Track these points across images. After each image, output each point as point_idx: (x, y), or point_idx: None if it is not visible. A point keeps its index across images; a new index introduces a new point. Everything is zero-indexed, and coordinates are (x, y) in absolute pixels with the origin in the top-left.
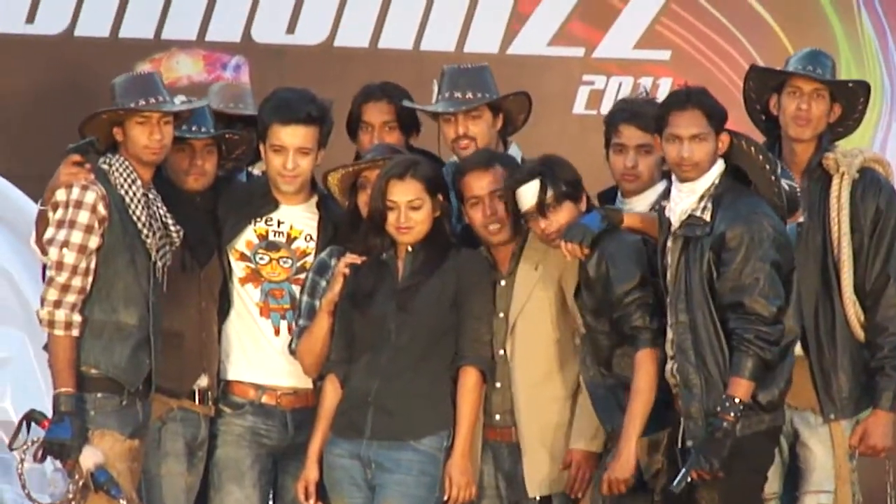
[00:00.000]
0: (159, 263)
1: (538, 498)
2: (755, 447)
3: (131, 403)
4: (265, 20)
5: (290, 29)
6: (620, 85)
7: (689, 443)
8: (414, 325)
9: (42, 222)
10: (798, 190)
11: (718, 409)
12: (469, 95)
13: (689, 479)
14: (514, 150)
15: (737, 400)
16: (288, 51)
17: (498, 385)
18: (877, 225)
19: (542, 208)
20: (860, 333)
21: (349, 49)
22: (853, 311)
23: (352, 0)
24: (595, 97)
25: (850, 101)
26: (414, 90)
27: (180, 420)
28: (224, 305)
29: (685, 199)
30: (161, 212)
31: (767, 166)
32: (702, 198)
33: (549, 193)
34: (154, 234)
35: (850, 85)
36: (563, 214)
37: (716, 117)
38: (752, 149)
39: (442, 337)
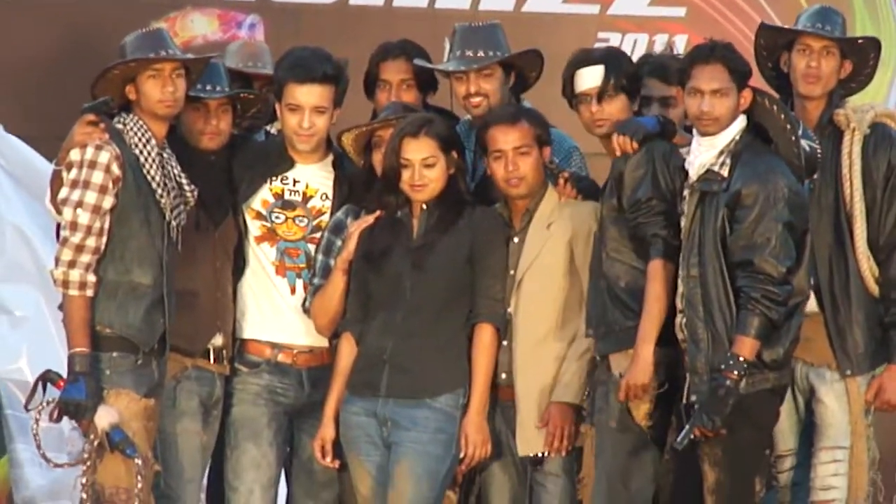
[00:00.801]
0: (174, 223)
1: (539, 455)
2: (759, 405)
3: (146, 363)
4: None
5: None
6: (636, 42)
7: (693, 398)
8: (429, 283)
9: (56, 182)
10: (818, 150)
11: (722, 366)
12: (480, 53)
13: (692, 436)
14: None
15: (741, 358)
16: (303, 9)
17: (504, 343)
18: (889, 179)
19: (600, 94)
20: (874, 288)
21: (364, 7)
22: (867, 266)
23: None
24: None
25: (861, 56)
26: (429, 49)
27: (195, 379)
28: (239, 264)
29: (704, 153)
30: (175, 171)
31: (789, 126)
32: (721, 153)
33: (611, 81)
34: (168, 193)
35: (860, 42)
36: (615, 106)
37: (738, 73)
38: (775, 107)
39: (457, 295)
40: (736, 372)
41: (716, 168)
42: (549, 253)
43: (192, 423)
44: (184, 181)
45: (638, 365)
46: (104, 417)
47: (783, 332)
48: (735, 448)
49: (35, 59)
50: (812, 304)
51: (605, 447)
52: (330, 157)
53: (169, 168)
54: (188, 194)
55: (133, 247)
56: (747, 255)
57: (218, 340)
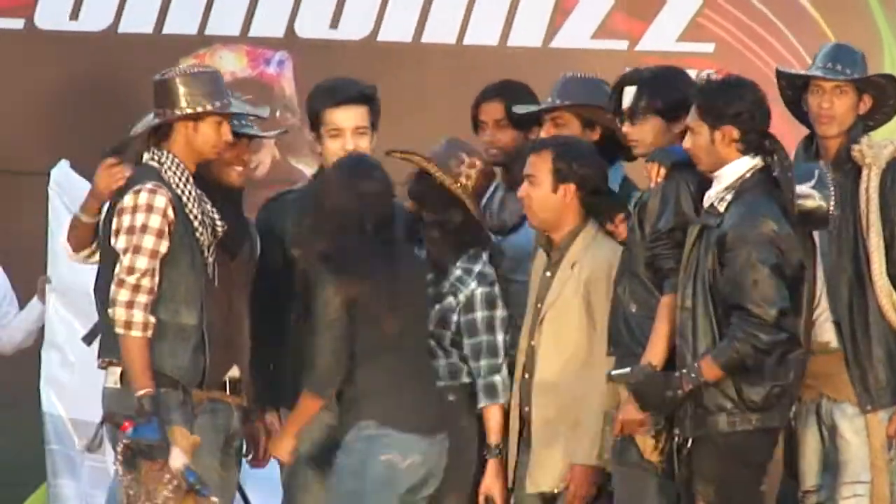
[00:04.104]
0: (210, 260)
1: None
2: (748, 444)
3: (187, 399)
4: (308, 15)
5: (334, 24)
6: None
7: (676, 431)
8: None
9: (74, 228)
10: (831, 202)
11: (683, 370)
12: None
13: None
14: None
15: (702, 378)
16: (331, 46)
17: (526, 376)
18: None
19: (631, 113)
20: None
21: (392, 44)
22: (886, 301)
23: None
24: None
25: (880, 90)
26: (456, 84)
27: (211, 412)
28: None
29: (713, 187)
30: (208, 206)
31: (790, 174)
32: (726, 188)
33: (642, 102)
34: (206, 230)
35: (873, 79)
36: (647, 127)
37: (712, 111)
38: (781, 152)
39: None
40: (690, 385)
41: (716, 203)
42: (570, 292)
43: (210, 459)
44: (216, 216)
45: (632, 401)
46: (178, 458)
47: (767, 374)
48: (727, 487)
49: (65, 95)
50: (833, 340)
51: (618, 485)
52: None
53: (204, 204)
54: (219, 230)
55: (182, 288)
56: (738, 299)
57: (234, 372)
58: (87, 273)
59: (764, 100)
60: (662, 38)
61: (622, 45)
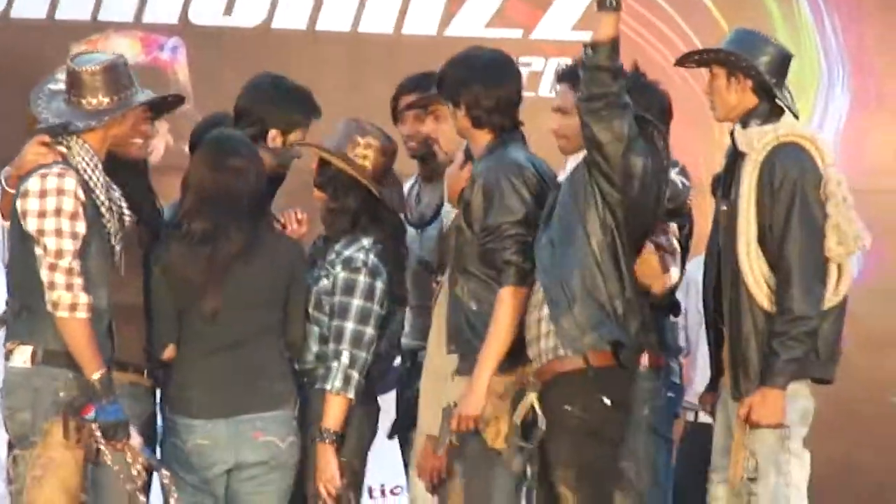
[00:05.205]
0: (117, 247)
1: None
2: (600, 423)
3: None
4: (202, 1)
5: (228, 11)
6: (559, 66)
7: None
8: None
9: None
10: (688, 189)
11: None
12: None
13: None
14: None
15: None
16: (225, 33)
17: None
18: (774, 206)
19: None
20: (770, 308)
21: (286, 31)
22: (755, 287)
23: None
24: (533, 79)
25: (751, 73)
26: (352, 72)
27: (130, 396)
28: None
29: (571, 163)
30: (116, 194)
31: (666, 153)
32: None
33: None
34: (113, 218)
35: (710, 53)
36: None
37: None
38: (655, 132)
39: None
40: None
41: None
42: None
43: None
44: (124, 205)
45: (472, 396)
46: (135, 437)
47: (619, 331)
48: (587, 467)
49: None
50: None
51: (465, 481)
52: None
53: (111, 192)
54: (126, 218)
55: (93, 271)
56: None
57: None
58: None
59: (637, 81)
60: (558, 27)
61: (517, 33)
